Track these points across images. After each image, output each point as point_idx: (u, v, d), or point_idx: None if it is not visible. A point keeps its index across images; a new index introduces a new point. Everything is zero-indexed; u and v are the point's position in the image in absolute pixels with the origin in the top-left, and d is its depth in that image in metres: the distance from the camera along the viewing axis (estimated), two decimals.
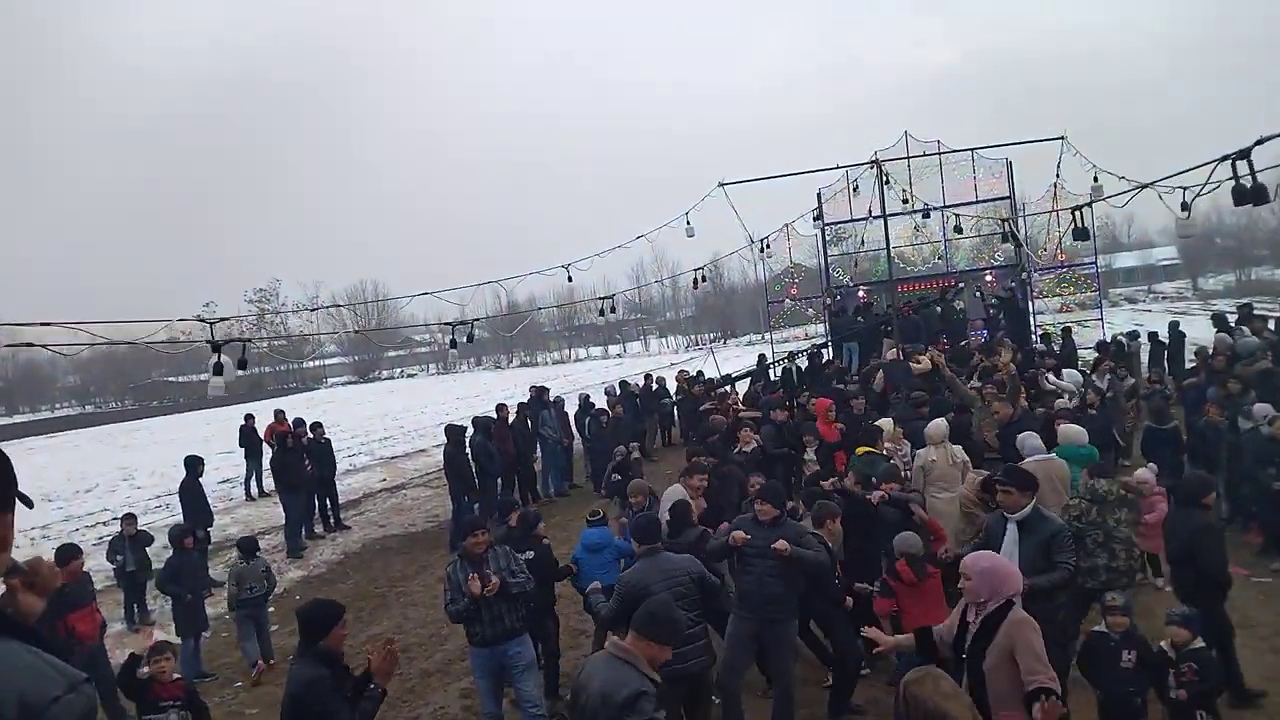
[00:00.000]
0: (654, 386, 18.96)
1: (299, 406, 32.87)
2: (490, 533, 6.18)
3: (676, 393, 18.93)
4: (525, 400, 15.60)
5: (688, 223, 17.25)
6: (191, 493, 11.84)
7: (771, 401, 12.83)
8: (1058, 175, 18.27)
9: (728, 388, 19.08)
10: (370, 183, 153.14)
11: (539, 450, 15.03)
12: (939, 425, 8.02)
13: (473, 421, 13.65)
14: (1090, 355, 16.27)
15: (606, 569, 6.98)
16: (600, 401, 16.79)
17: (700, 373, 19.94)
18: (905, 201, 18.13)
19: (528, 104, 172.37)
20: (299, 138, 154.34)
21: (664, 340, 75.67)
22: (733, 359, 31.76)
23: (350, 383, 74.89)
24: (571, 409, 16.31)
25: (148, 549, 10.39)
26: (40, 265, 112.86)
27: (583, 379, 38.92)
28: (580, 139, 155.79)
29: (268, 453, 15.55)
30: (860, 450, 8.38)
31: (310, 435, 14.12)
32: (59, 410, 78.78)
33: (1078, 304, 24.86)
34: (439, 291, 12.30)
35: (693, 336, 71.36)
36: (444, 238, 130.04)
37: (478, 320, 10.52)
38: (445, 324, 9.55)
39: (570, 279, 13.41)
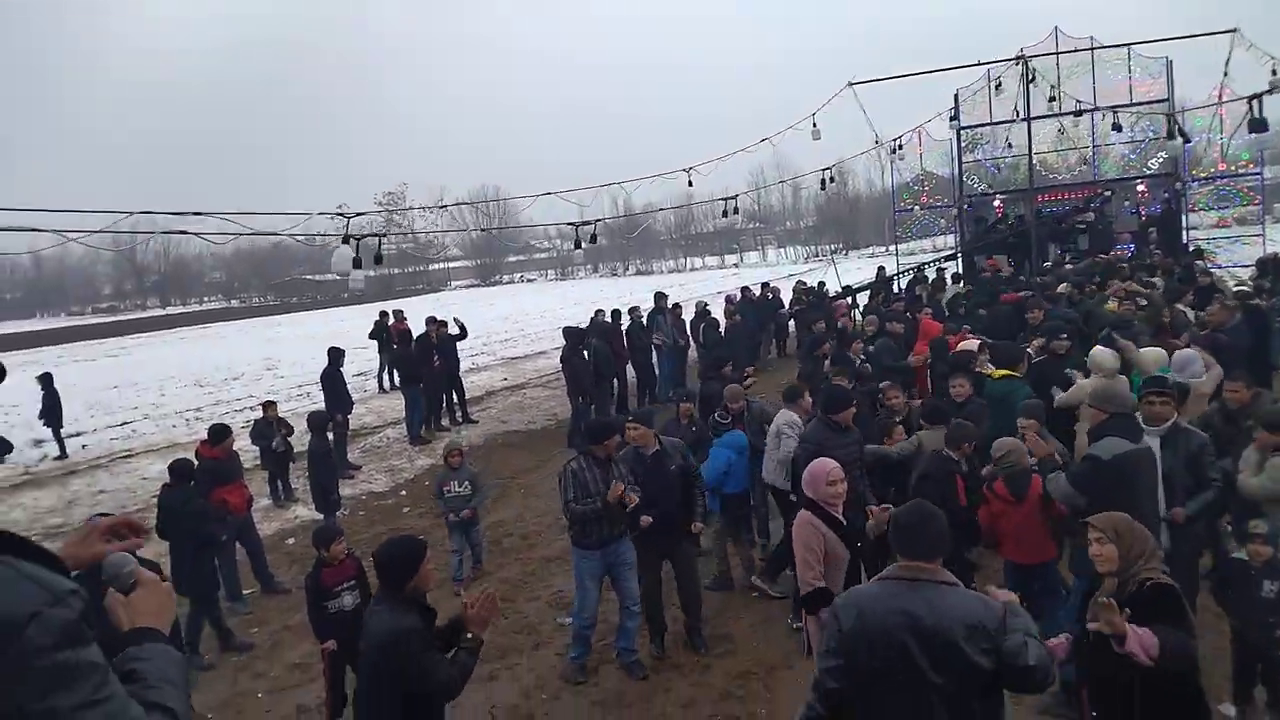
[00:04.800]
0: (769, 297, 18.69)
1: (425, 307, 34.15)
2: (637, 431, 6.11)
3: (792, 304, 18.62)
4: (643, 306, 15.66)
5: (814, 125, 16.60)
6: (333, 381, 12.54)
7: (890, 314, 12.43)
8: (1225, 73, 16.55)
9: (847, 299, 18.62)
10: (494, 89, 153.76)
11: (654, 356, 15.14)
12: (1106, 354, 6.90)
13: (591, 325, 13.83)
14: (1245, 274, 14.98)
15: (746, 473, 7.07)
16: (717, 311, 16.68)
17: (821, 283, 19.48)
18: (1052, 100, 16.85)
19: (651, 5, 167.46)
20: (426, 42, 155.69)
21: (782, 251, 74.17)
22: (853, 271, 30.85)
23: (472, 285, 77.05)
24: (688, 316, 16.28)
25: (290, 433, 11.11)
26: (187, 170, 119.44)
27: (698, 288, 38.72)
28: (703, 37, 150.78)
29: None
30: (999, 373, 7.46)
31: (440, 332, 14.66)
32: (206, 304, 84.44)
33: (1236, 219, 22.81)
34: (561, 192, 12.36)
35: (812, 247, 69.60)
36: (565, 144, 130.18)
37: (599, 220, 10.49)
38: (570, 224, 9.59)
39: (690, 183, 13.17)
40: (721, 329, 15.34)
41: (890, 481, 6.53)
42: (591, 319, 14.93)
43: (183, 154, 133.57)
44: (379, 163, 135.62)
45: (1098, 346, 7.21)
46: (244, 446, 10.17)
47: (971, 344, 8.65)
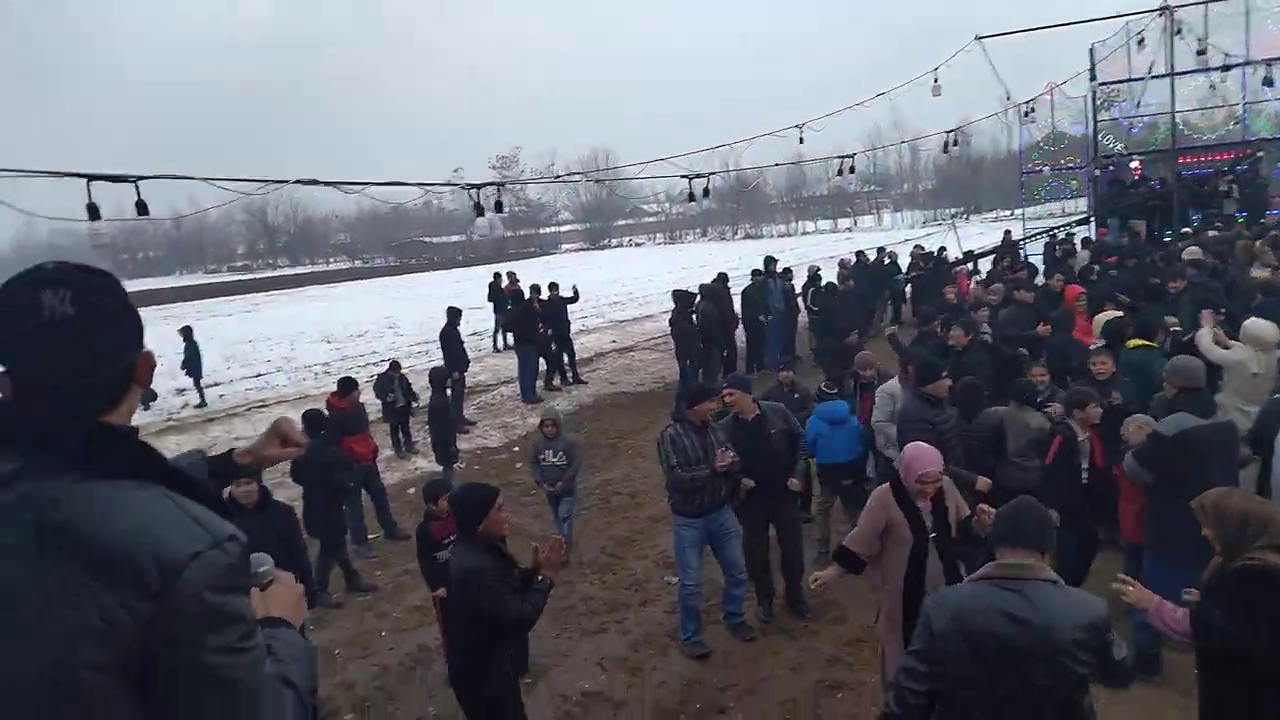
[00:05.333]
0: (886, 261, 18.17)
1: (535, 269, 34.79)
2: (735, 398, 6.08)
3: (909, 269, 18.05)
4: (753, 270, 15.48)
5: (935, 80, 15.91)
6: (450, 339, 12.96)
7: (1016, 281, 11.89)
8: None
9: (969, 265, 17.93)
10: (606, 51, 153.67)
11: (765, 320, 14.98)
12: (1264, 326, 6.38)
13: (700, 288, 13.78)
14: None
15: (851, 444, 6.86)
16: (830, 276, 16.32)
17: (942, 248, 18.80)
18: (1201, 54, 15.59)
19: None
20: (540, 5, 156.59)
21: (899, 215, 71.81)
22: (975, 237, 29.60)
23: (581, 249, 77.88)
24: (799, 281, 16.02)
25: (410, 388, 11.55)
26: (311, 134, 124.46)
27: (809, 252, 38.00)
28: None
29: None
30: (1134, 343, 7.05)
31: (548, 294, 14.92)
32: (332, 264, 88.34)
33: None
34: (670, 158, 12.29)
35: (931, 211, 67.12)
36: (676, 107, 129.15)
37: (713, 174, 10.38)
38: (684, 175, 9.53)
39: (802, 140, 12.85)
40: (834, 295, 15.01)
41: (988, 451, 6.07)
42: (701, 286, 14.87)
43: (302, 117, 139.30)
44: (493, 130, 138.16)
45: (1253, 318, 6.65)
46: (369, 400, 10.65)
47: (1108, 315, 8.17)
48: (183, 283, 69.47)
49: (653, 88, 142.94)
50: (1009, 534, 2.94)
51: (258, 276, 71.35)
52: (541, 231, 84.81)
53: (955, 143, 17.42)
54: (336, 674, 5.99)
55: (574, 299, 14.90)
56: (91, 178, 4.51)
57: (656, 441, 5.95)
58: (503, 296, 18.52)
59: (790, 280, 15.78)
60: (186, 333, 16.03)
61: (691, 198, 10.46)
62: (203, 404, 16.09)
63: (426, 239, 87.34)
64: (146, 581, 1.23)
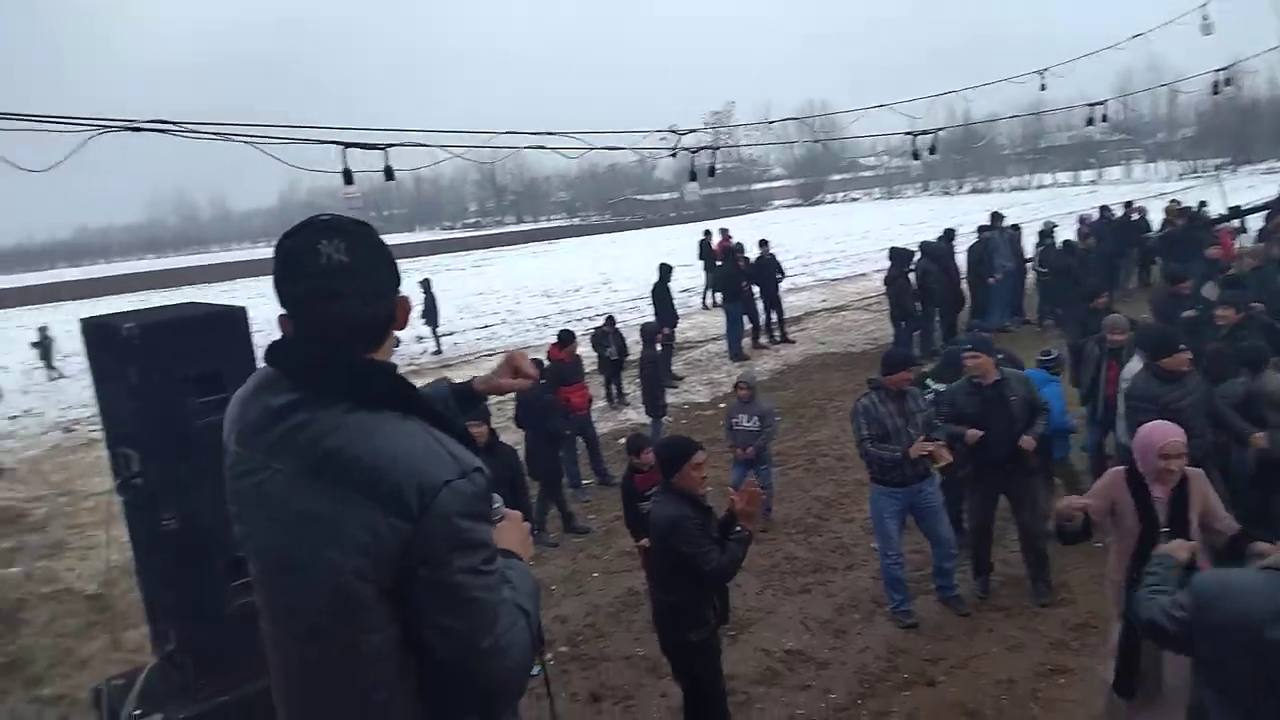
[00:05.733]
0: (1133, 218, 16.39)
1: (746, 227, 34.56)
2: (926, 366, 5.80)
3: (1163, 225, 16.18)
4: (979, 226, 14.51)
5: (1204, 18, 14.02)
6: (662, 295, 13.23)
7: None
8: None
9: (1236, 222, 15.83)
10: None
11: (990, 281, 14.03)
12: None
13: (920, 246, 13.13)
14: None
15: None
16: (1068, 233, 15.00)
17: (1202, 203, 16.72)
18: None
19: None
20: None
21: (1151, 166, 64.46)
22: (1243, 190, 26.03)
23: (794, 205, 76.36)
24: (1030, 238, 14.84)
25: (624, 342, 11.91)
26: (539, 91, 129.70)
27: (1044, 207, 35.09)
28: None
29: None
30: None
31: (758, 252, 14.79)
32: (552, 221, 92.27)
33: None
34: (892, 104, 11.66)
35: (1190, 162, 59.71)
36: (896, 55, 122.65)
37: (939, 130, 9.74)
38: (907, 133, 9.01)
39: (1044, 87, 11.76)
40: (1073, 253, 13.77)
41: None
42: (921, 244, 14.15)
43: (533, 75, 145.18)
44: (708, 83, 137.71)
45: None
46: (585, 352, 11.11)
47: None
48: (420, 238, 75.23)
49: (872, 39, 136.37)
50: None
51: (486, 233, 75.86)
52: (753, 188, 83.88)
53: (1228, 83, 15.27)
54: (553, 608, 6.39)
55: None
56: (346, 145, 4.98)
57: (851, 411, 5.75)
58: (711, 254, 18.61)
59: (1020, 237, 14.66)
60: (425, 284, 17.41)
61: (916, 156, 9.82)
62: (439, 350, 17.48)
63: (640, 197, 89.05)
64: (407, 503, 1.38)
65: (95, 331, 2.69)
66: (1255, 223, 15.99)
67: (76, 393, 16.91)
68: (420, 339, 18.29)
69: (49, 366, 19.52)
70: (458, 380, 2.14)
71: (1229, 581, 2.55)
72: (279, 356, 1.53)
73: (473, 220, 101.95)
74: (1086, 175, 64.68)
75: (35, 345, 19.94)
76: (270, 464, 1.48)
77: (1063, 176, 66.27)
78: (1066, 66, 12.85)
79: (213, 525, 2.63)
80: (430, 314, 17.45)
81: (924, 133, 9.77)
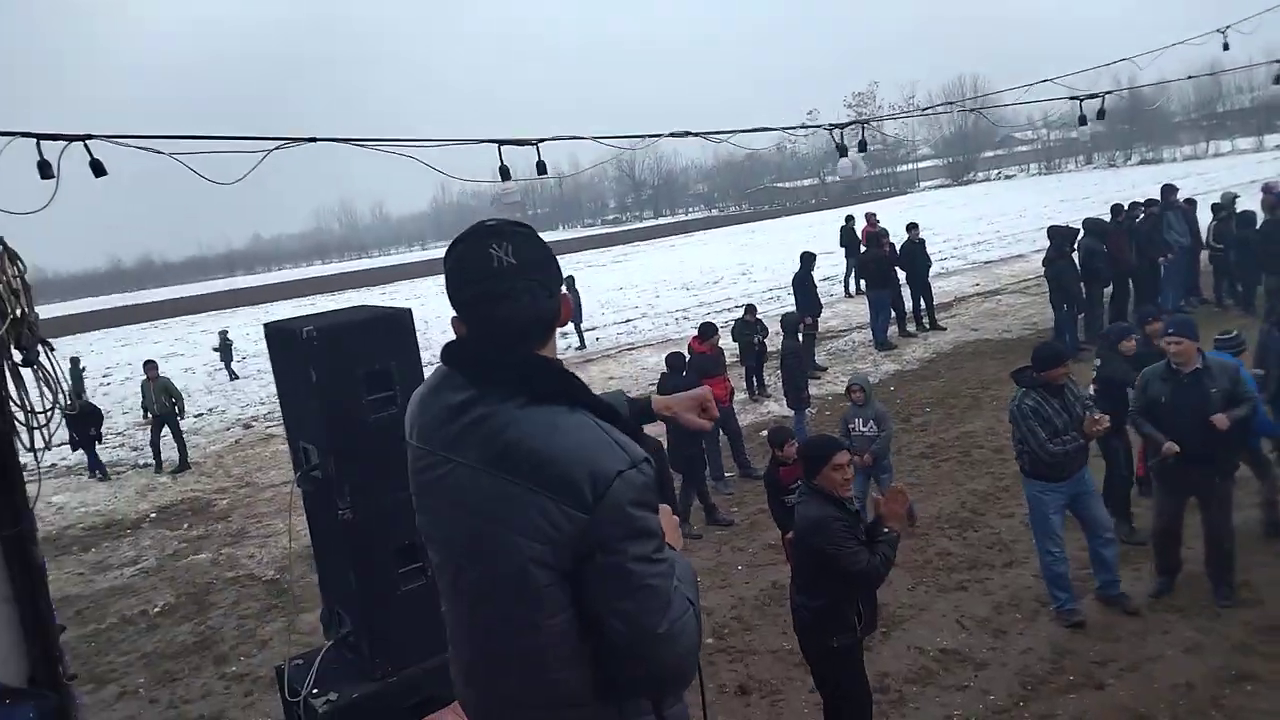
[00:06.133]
0: None
1: (892, 210, 33.47)
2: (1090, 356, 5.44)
3: None
4: (1150, 200, 13.45)
5: None
6: (804, 284, 13.04)
7: None
8: None
9: None
10: None
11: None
12: None
13: (1083, 223, 12.32)
14: None
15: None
16: (1252, 203, 13.66)
17: None
18: None
19: None
20: None
21: None
22: None
23: (943, 185, 73.27)
24: (1204, 213, 13.62)
25: (765, 334, 11.82)
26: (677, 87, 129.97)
27: (1222, 177, 32.18)
28: None
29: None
30: None
31: (905, 236, 14.30)
32: (690, 214, 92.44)
33: None
34: (1053, 79, 10.95)
35: None
36: (1056, 26, 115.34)
37: (1108, 93, 9.02)
38: (1073, 97, 8.37)
39: (1226, 46, 10.70)
40: (1257, 225, 12.54)
41: None
42: (1084, 221, 13.26)
43: (668, 71, 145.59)
44: (850, 66, 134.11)
45: None
46: (726, 344, 11.10)
47: None
48: (564, 236, 77.17)
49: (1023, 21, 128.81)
50: None
51: (625, 229, 76.95)
52: (898, 169, 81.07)
53: None
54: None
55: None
56: (501, 143, 5.17)
57: (1010, 414, 5.49)
58: (855, 240, 18.14)
59: (1194, 211, 13.49)
60: (569, 282, 17.81)
61: (1083, 121, 9.09)
62: (582, 346, 17.89)
63: (779, 184, 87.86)
64: (582, 493, 1.45)
65: (277, 335, 2.93)
66: None
67: (254, 391, 18.40)
68: (563, 335, 18.77)
69: (229, 368, 21.24)
70: (632, 394, 2.19)
71: None
72: (455, 356, 1.63)
73: (612, 217, 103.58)
74: (1271, 140, 58.61)
75: (216, 349, 21.77)
76: (452, 457, 1.57)
77: (1243, 143, 60.35)
78: (1253, 21, 11.69)
79: (384, 514, 2.83)
80: (574, 311, 17.83)
81: (1091, 96, 9.05)
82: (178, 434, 13.17)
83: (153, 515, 11.08)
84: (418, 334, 3.03)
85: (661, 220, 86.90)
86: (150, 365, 13.27)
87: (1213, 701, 4.44)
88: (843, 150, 7.39)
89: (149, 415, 13.49)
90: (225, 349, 21.38)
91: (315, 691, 2.97)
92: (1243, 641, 4.88)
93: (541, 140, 5.33)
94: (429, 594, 2.90)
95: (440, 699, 2.81)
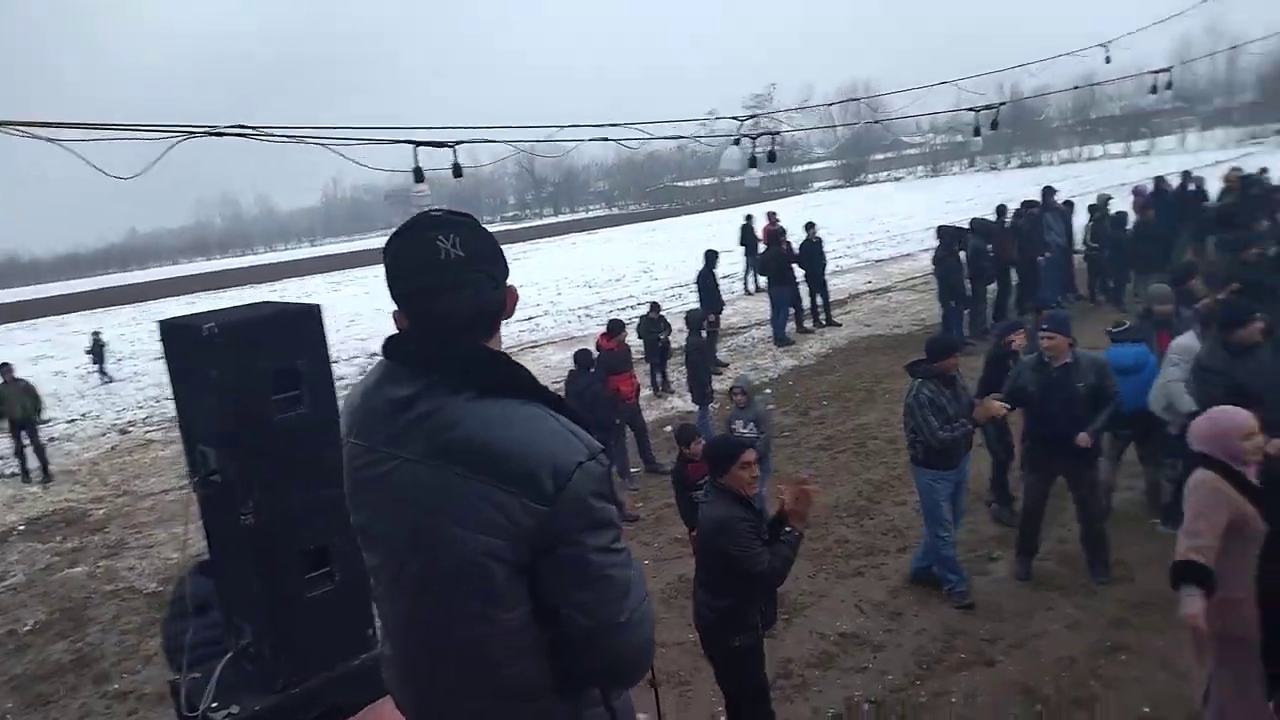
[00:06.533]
0: (1190, 188, 15.91)
1: (789, 210, 34.26)
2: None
3: (1221, 195, 15.68)
4: (1030, 202, 14.21)
5: None
6: (707, 282, 13.22)
7: None
8: None
9: None
10: None
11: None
12: None
13: (970, 223, 12.94)
14: None
15: (1141, 395, 6.01)
16: (1123, 205, 14.60)
17: (1263, 169, 16.21)
18: None
19: None
20: None
21: (1206, 134, 62.46)
22: None
23: (835, 187, 75.47)
24: (1080, 214, 14.49)
25: (669, 331, 11.93)
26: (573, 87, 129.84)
27: (1095, 180, 34.30)
28: None
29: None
30: None
31: (803, 235, 14.68)
32: (591, 211, 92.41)
33: None
34: (943, 83, 11.47)
35: (1249, 129, 57.78)
36: (943, 31, 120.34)
37: (1001, 104, 9.53)
38: (970, 109, 8.83)
39: (1109, 59, 11.49)
40: (1127, 226, 13.44)
41: None
42: (971, 220, 13.91)
43: (562, 72, 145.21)
44: (749, 66, 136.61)
45: None
46: (632, 341, 11.17)
47: None
48: None
49: (915, 21, 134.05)
50: None
51: (526, 226, 76.28)
52: (794, 170, 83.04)
53: None
54: None
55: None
56: (417, 144, 5.07)
57: (906, 404, 5.70)
58: (753, 239, 18.51)
59: (1071, 213, 14.34)
60: None
61: (977, 132, 9.65)
62: None
63: (679, 183, 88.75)
64: (543, 486, 1.44)
65: (173, 332, 2.79)
66: None
67: (130, 395, 17.42)
68: None
69: (102, 371, 20.07)
70: None
71: None
72: (399, 350, 1.59)
73: (512, 214, 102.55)
74: (1139, 145, 62.84)
75: (89, 351, 20.53)
76: (397, 453, 1.54)
77: (1114, 148, 64.46)
78: (1128, 37, 12.50)
79: (289, 518, 2.73)
80: None
81: (986, 108, 9.57)
82: (36, 441, 12.30)
83: (21, 528, 10.37)
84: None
85: (562, 218, 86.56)
86: (6, 368, 12.34)
87: (1092, 672, 4.75)
88: (753, 162, 7.57)
89: (5, 421, 12.52)
90: (98, 350, 20.16)
91: (215, 705, 2.85)
92: (1118, 616, 5.23)
93: (459, 142, 5.26)
94: (336, 600, 2.83)
95: (345, 708, 2.74)
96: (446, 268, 1.51)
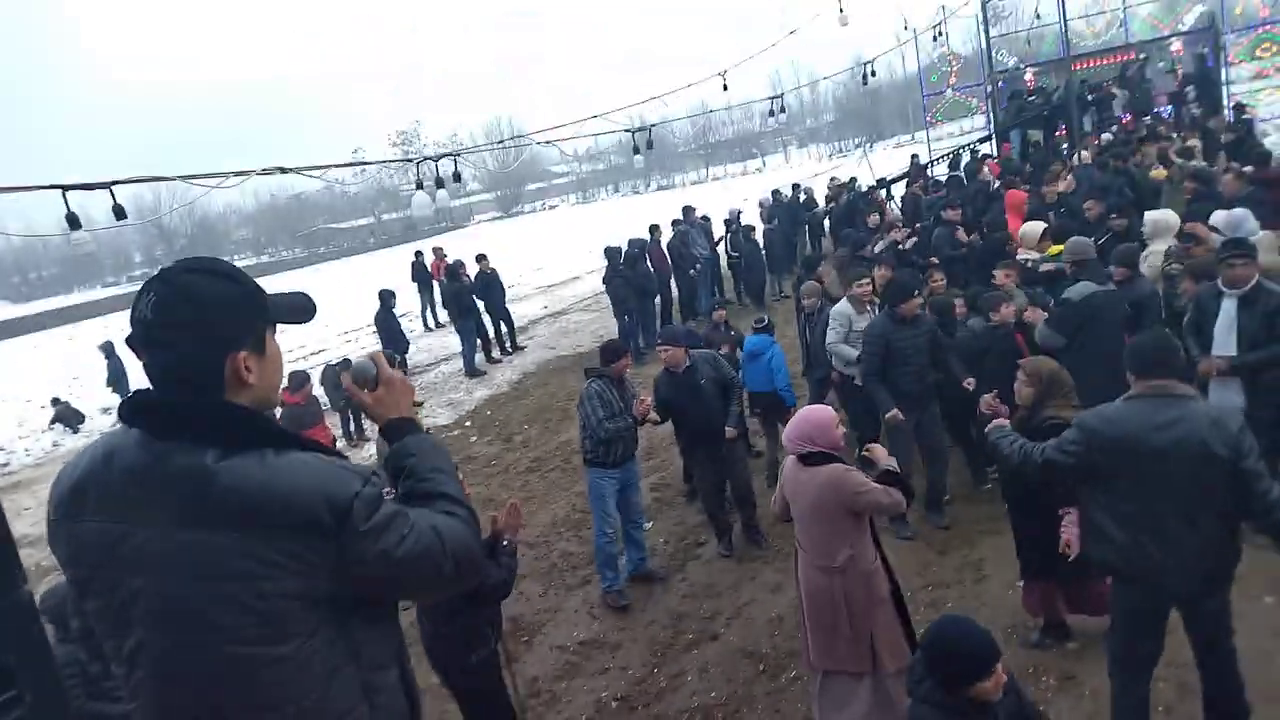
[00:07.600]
0: (801, 198, 18.50)
1: (454, 243, 34.27)
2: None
3: (827, 201, 18.41)
4: (675, 220, 15.64)
5: (840, 9, 16.13)
6: (387, 322, 12.87)
7: (938, 201, 12.32)
8: None
9: (882, 192, 18.41)
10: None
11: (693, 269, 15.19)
12: (1165, 214, 6.99)
13: (629, 243, 13.93)
14: None
15: (765, 375, 7.06)
16: (752, 217, 16.57)
17: (853, 179, 19.26)
18: None
19: None
20: None
21: (804, 150, 72.75)
22: (883, 163, 30.28)
23: (496, 218, 76.82)
24: (720, 226, 16.25)
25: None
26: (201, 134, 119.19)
27: (721, 197, 38.34)
28: None
29: (439, 286, 16.52)
30: (1054, 250, 7.30)
31: (476, 268, 14.84)
32: (238, 260, 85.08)
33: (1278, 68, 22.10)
34: (578, 120, 12.28)
35: (835, 144, 68.24)
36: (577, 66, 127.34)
37: (656, 126, 10.45)
38: (626, 130, 9.59)
39: (726, 87, 13.03)
40: (757, 235, 15.32)
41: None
42: (629, 241, 14.99)
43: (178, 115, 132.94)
44: (390, 105, 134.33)
45: (1153, 211, 7.27)
46: (318, 392, 10.57)
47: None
48: (80, 300, 66.29)
49: (547, 56, 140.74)
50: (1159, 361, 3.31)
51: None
52: (453, 204, 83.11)
53: (874, 74, 17.73)
54: None
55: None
56: (67, 188, 4.43)
57: (579, 399, 6.13)
58: (427, 274, 18.34)
59: (711, 226, 16.00)
60: (108, 349, 15.40)
61: (636, 151, 10.59)
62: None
63: (333, 225, 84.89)
64: (323, 524, 1.46)
65: None
66: (898, 190, 18.73)
67: None
68: (107, 410, 16.22)
69: None
70: None
71: (1105, 414, 3.40)
72: (138, 411, 1.53)
73: (139, 273, 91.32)
74: (753, 164, 71.52)
75: None
76: (145, 523, 1.46)
77: (733, 168, 72.73)
78: (739, 68, 14.22)
79: None
80: (117, 382, 15.47)
81: (640, 129, 10.53)
82: None
83: None
84: None
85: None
86: None
87: (797, 625, 5.37)
88: (439, 183, 7.58)
89: None
90: None
91: None
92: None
93: (116, 182, 4.70)
94: None
95: None
96: (144, 329, 1.51)
